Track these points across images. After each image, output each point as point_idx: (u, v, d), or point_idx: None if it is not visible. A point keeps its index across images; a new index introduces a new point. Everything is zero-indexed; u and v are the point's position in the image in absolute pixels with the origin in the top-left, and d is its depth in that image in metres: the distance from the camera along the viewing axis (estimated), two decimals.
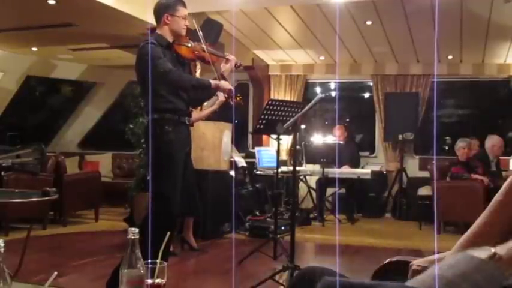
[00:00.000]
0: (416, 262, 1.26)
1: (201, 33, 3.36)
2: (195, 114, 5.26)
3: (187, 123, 3.29)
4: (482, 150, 6.88)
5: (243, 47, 7.69)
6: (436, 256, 1.18)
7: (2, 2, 5.35)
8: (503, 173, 6.69)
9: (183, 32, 3.26)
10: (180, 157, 3.18)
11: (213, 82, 3.24)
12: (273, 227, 4.73)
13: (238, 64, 3.46)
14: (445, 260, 0.88)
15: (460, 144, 6.51)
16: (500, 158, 7.01)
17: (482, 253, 0.84)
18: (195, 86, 3.29)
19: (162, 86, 3.08)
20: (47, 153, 5.37)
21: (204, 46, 3.33)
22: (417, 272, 1.23)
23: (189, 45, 3.29)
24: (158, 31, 3.26)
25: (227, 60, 3.42)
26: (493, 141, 6.70)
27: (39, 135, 9.91)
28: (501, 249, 0.85)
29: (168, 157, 3.09)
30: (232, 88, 3.32)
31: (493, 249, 0.85)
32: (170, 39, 3.24)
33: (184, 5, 3.26)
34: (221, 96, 4.60)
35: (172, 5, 3.22)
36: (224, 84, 3.27)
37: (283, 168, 6.22)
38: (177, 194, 3.12)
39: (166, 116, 3.14)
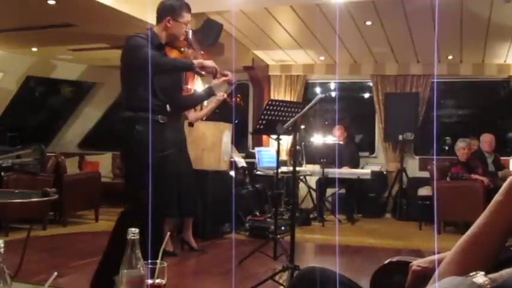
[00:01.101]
0: (416, 262, 1.26)
1: (197, 43, 3.27)
2: (194, 113, 5.27)
3: (162, 121, 3.10)
4: (478, 148, 6.93)
5: (243, 47, 7.68)
6: (436, 256, 1.18)
7: (2, 2, 5.35)
8: (499, 173, 6.68)
9: (182, 38, 3.17)
10: (154, 157, 2.92)
11: (196, 61, 3.08)
12: (273, 227, 4.73)
13: (233, 82, 3.27)
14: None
15: (460, 145, 6.52)
16: (501, 158, 7.02)
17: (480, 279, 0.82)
18: (177, 67, 3.21)
19: (140, 83, 2.96)
20: (47, 154, 5.38)
21: (198, 54, 3.20)
22: (417, 272, 1.23)
23: (182, 50, 3.19)
24: (155, 29, 3.17)
25: (221, 75, 3.18)
26: (482, 138, 6.93)
27: (39, 136, 9.89)
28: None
29: (137, 158, 2.95)
30: (217, 66, 3.12)
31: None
32: (163, 40, 3.16)
33: (189, 11, 3.15)
34: (219, 96, 4.58)
35: (178, 9, 3.11)
36: (208, 62, 3.09)
37: (283, 169, 6.22)
38: (147, 195, 2.85)
39: (139, 114, 3.00)
